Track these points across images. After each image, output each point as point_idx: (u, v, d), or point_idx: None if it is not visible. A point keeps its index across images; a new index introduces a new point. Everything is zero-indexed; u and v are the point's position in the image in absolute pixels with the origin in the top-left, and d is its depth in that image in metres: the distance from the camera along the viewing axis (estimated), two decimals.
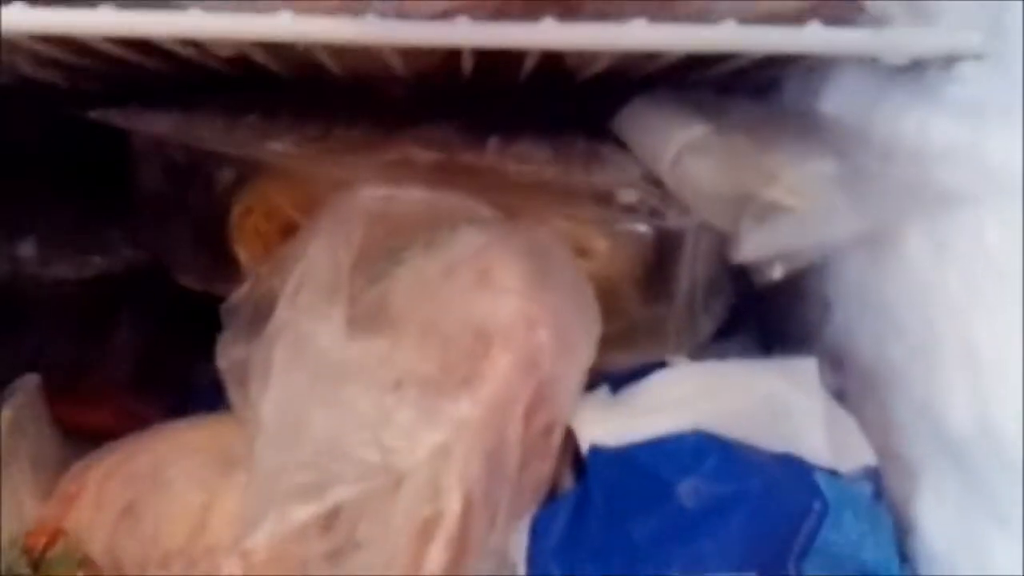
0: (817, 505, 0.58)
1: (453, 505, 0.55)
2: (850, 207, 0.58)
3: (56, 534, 0.65)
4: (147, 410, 0.75)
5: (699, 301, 0.65)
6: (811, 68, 0.69)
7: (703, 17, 0.60)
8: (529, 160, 0.71)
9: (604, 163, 0.70)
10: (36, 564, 0.63)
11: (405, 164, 0.70)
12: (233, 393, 0.60)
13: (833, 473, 0.60)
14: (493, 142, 0.73)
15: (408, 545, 0.56)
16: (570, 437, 0.60)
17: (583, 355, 0.58)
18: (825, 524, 0.58)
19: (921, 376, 0.61)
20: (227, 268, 0.72)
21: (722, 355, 0.66)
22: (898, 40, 0.56)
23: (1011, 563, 0.55)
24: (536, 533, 0.57)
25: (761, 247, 0.59)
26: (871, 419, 0.65)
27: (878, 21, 0.58)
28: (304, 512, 0.56)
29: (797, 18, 0.56)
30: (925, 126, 0.58)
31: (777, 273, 0.60)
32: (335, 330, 0.57)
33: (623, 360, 0.63)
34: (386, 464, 0.56)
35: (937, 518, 0.61)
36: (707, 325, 0.67)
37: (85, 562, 0.64)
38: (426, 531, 0.56)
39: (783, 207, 0.58)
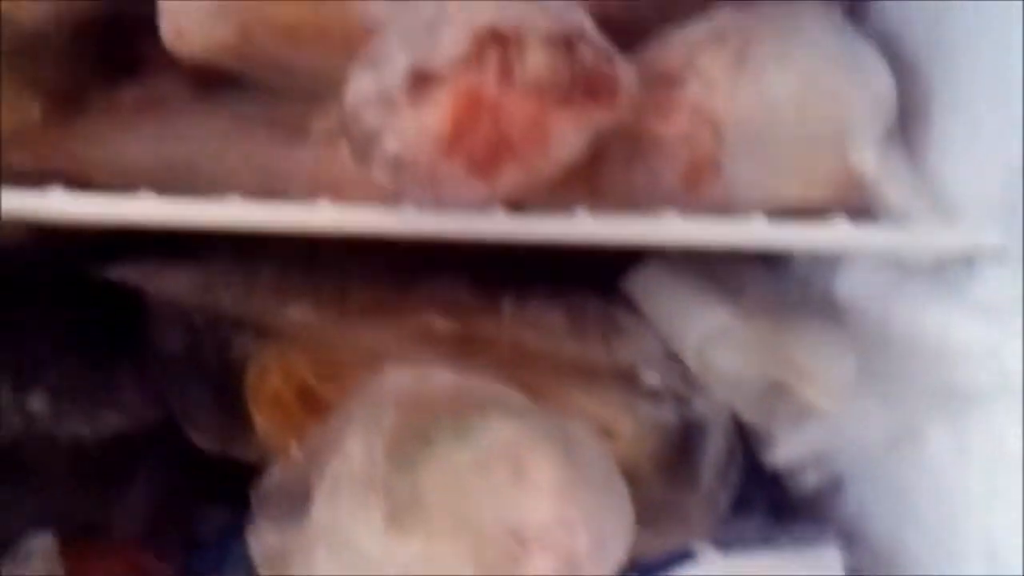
0: None
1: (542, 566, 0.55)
2: (878, 409, 0.60)
3: None
4: (158, 565, 0.75)
5: (719, 481, 0.67)
6: None
7: (728, 203, 0.61)
8: (545, 327, 0.72)
9: (622, 334, 0.71)
10: None
11: (425, 334, 0.70)
12: None
13: None
14: (507, 304, 0.74)
15: None
16: None
17: (618, 553, 0.59)
18: None
19: (940, 564, 0.62)
20: (244, 430, 0.72)
21: (741, 534, 0.67)
22: (921, 238, 0.58)
23: None
24: None
25: (796, 450, 0.60)
26: None
27: (900, 216, 0.60)
28: None
29: (822, 208, 0.58)
30: (946, 324, 0.60)
31: (812, 480, 0.61)
32: (374, 530, 0.58)
33: (643, 544, 0.63)
34: None
35: None
36: (725, 500, 0.68)
37: None
38: None
39: (816, 407, 0.60)
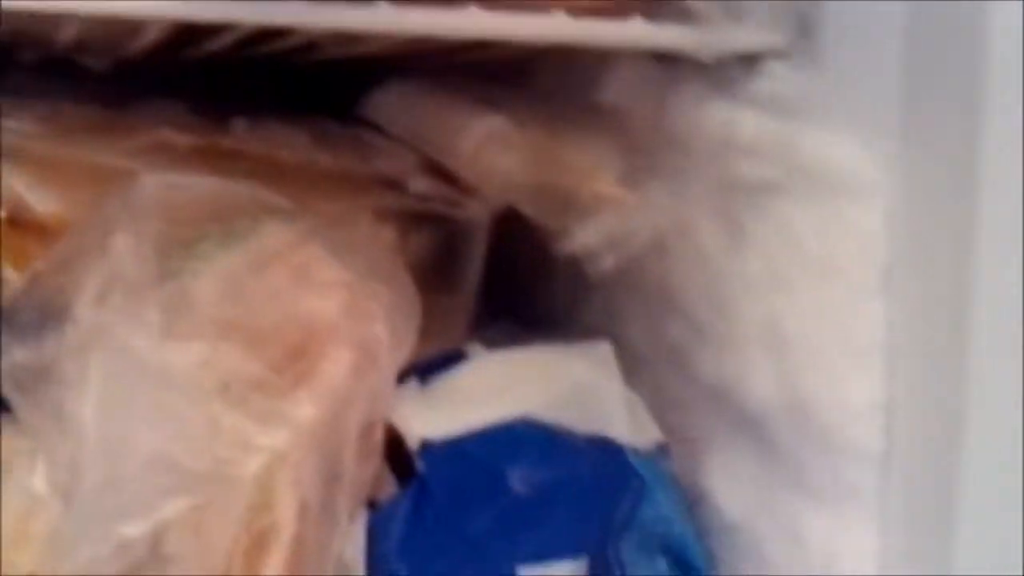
0: (635, 482, 0.61)
1: (289, 515, 0.53)
2: (660, 203, 0.61)
3: None
4: None
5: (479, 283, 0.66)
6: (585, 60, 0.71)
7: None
8: (292, 145, 0.69)
9: (373, 149, 0.69)
10: None
11: (161, 147, 0.66)
12: (16, 399, 0.55)
13: (637, 451, 0.63)
14: (239, 124, 0.70)
15: (240, 558, 0.53)
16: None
17: (408, 348, 0.58)
18: (642, 501, 0.61)
19: (710, 357, 0.65)
20: None
21: (496, 340, 0.67)
22: (716, 37, 0.59)
23: (822, 531, 0.60)
24: (376, 534, 0.56)
25: (592, 238, 0.60)
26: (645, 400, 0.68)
27: (688, 17, 0.61)
28: (132, 530, 0.52)
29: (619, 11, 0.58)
30: (729, 120, 0.61)
31: (609, 263, 0.62)
32: (152, 334, 0.53)
33: (417, 349, 0.62)
34: (218, 474, 0.53)
35: (731, 491, 0.65)
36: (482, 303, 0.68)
37: None
38: (260, 542, 0.53)
39: (609, 199, 0.60)
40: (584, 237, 0.61)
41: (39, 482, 0.56)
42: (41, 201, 0.64)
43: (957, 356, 0.54)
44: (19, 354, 0.56)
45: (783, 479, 0.63)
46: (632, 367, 0.68)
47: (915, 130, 0.55)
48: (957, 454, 0.55)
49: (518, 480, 0.58)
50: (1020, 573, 0.54)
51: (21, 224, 0.63)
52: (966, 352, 0.54)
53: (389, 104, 0.72)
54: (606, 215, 0.61)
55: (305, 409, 0.54)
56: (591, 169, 0.62)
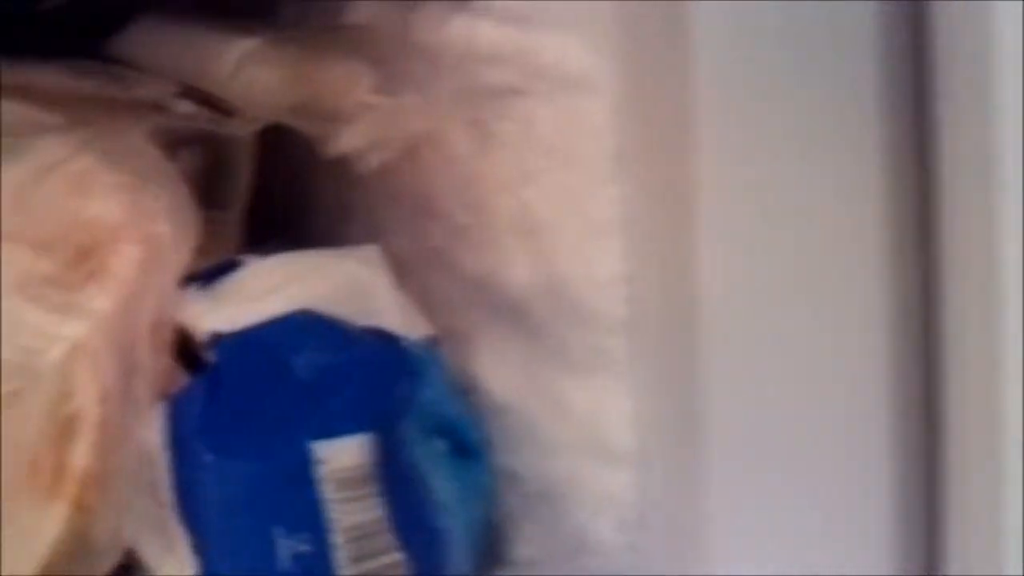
0: (411, 367, 0.67)
1: (92, 401, 0.57)
2: (412, 108, 0.67)
3: None
4: None
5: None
6: None
7: None
8: (52, 79, 0.72)
9: (130, 79, 0.73)
10: None
11: None
12: None
13: (410, 341, 0.69)
14: None
15: (48, 446, 0.57)
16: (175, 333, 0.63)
17: (189, 249, 0.62)
18: (419, 382, 0.67)
19: (470, 254, 0.71)
20: None
21: (269, 253, 0.72)
22: None
23: (584, 401, 0.66)
24: (174, 418, 0.60)
25: (353, 143, 0.66)
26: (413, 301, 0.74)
27: None
28: None
29: None
30: (470, 32, 0.68)
31: (374, 162, 0.67)
32: None
33: (194, 263, 0.67)
34: (22, 364, 0.56)
35: (499, 375, 0.72)
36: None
37: None
38: (66, 430, 0.57)
39: (365, 106, 0.66)
40: (345, 142, 0.66)
41: None
42: None
43: (685, 230, 0.59)
44: None
45: (545, 357, 0.69)
46: (398, 273, 0.74)
47: (630, 26, 0.61)
48: (693, 318, 0.60)
49: (303, 366, 0.63)
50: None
51: None
52: (694, 226, 0.59)
53: (142, 40, 0.76)
54: (364, 122, 0.67)
55: (100, 301, 0.58)
56: (346, 80, 0.67)
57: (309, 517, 0.60)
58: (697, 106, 0.57)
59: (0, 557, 0.56)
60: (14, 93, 0.67)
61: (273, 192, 0.76)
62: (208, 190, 0.70)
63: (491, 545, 0.71)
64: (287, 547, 0.59)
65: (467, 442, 0.70)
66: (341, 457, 0.62)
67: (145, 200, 0.60)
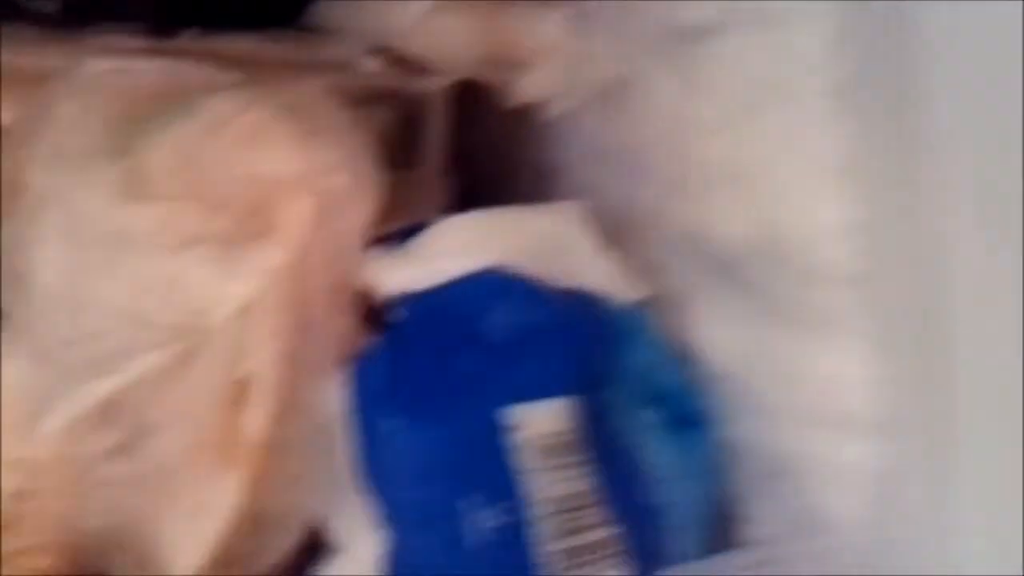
0: (617, 332, 0.61)
1: (265, 363, 0.53)
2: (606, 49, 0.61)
3: None
4: None
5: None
6: None
7: None
8: (239, 45, 0.69)
9: (321, 42, 0.69)
10: None
11: (111, 50, 0.66)
12: None
13: (618, 304, 0.62)
14: (188, 33, 0.70)
15: (220, 413, 0.52)
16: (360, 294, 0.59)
17: (369, 206, 0.58)
18: (626, 347, 0.61)
19: (681, 210, 0.65)
20: None
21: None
22: None
23: (812, 363, 0.60)
24: (356, 382, 0.55)
25: (543, 85, 0.61)
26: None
27: None
28: (105, 386, 0.51)
29: None
30: None
31: (556, 111, 0.62)
32: (108, 199, 0.53)
33: (385, 225, 0.62)
34: (189, 325, 0.52)
35: (717, 340, 0.65)
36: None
37: None
38: (239, 394, 0.53)
39: (557, 50, 0.61)
40: (532, 88, 0.61)
41: (14, 371, 0.55)
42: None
43: (921, 170, 0.53)
44: None
45: (769, 318, 0.63)
46: (607, 235, 0.68)
47: None
48: (938, 269, 0.54)
49: (495, 327, 0.58)
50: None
51: None
52: (932, 166, 0.53)
53: (334, 6, 0.73)
54: (553, 67, 0.61)
55: (272, 257, 0.54)
56: (535, 25, 0.62)
57: (504, 487, 0.55)
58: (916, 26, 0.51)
59: (174, 533, 0.52)
60: (195, 57, 0.64)
61: (475, 155, 0.71)
62: (398, 150, 0.65)
63: (718, 525, 0.64)
64: (481, 520, 0.54)
65: (686, 413, 0.63)
66: (539, 423, 0.56)
67: (319, 153, 0.56)
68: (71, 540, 0.56)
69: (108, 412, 0.54)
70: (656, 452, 0.61)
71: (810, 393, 0.60)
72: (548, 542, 0.55)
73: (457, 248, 0.60)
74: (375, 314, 0.58)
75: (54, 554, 0.57)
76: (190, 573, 0.53)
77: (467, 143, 0.70)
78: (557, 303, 0.60)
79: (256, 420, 0.53)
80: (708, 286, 0.66)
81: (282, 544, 0.54)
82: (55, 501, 0.55)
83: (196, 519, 0.52)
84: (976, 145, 0.52)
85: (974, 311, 0.54)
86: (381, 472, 0.54)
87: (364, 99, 0.65)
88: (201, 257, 0.54)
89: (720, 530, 0.64)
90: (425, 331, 0.57)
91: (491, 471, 0.55)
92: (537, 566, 0.54)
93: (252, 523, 0.53)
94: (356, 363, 0.56)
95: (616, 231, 0.68)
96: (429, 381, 0.56)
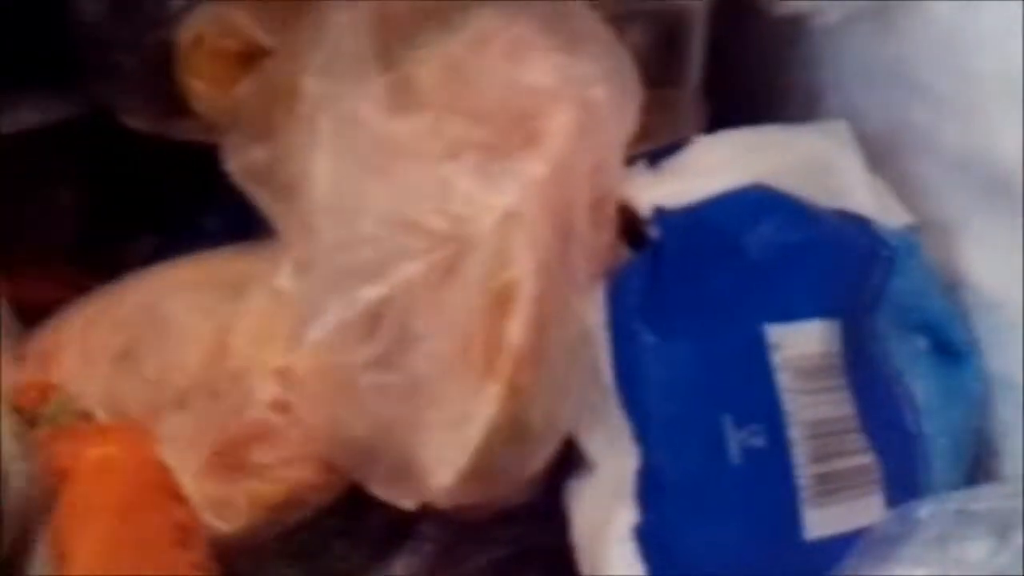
0: (885, 251, 0.59)
1: (528, 272, 0.53)
2: None
3: (46, 389, 0.59)
4: (93, 283, 0.69)
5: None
6: None
7: None
8: None
9: None
10: (31, 422, 0.57)
11: None
12: (258, 195, 0.56)
13: (885, 227, 0.60)
14: None
15: (482, 322, 0.53)
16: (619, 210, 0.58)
17: (630, 119, 0.57)
18: (893, 271, 0.58)
19: (954, 129, 0.62)
20: (181, 105, 0.67)
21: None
22: None
23: None
24: (614, 296, 0.55)
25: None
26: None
27: None
28: (372, 293, 0.52)
29: None
30: None
31: (823, 24, 0.60)
32: (378, 106, 0.54)
33: (645, 144, 0.61)
34: (455, 232, 0.53)
35: (987, 268, 0.62)
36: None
37: (84, 415, 0.58)
38: (500, 303, 0.53)
39: None
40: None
41: (284, 280, 0.57)
42: (266, 36, 0.65)
43: None
44: (252, 152, 0.57)
45: None
46: (873, 157, 0.66)
47: None
48: None
49: (758, 244, 0.57)
50: None
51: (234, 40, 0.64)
52: None
53: None
54: None
55: (534, 167, 0.54)
56: None
57: (763, 407, 0.54)
58: None
59: (433, 444, 0.53)
60: None
61: (738, 74, 0.70)
62: (658, 68, 0.64)
63: (979, 459, 0.61)
64: (738, 439, 0.53)
65: (952, 342, 0.61)
66: (800, 343, 0.55)
67: (581, 65, 0.56)
68: (329, 451, 0.57)
69: (372, 321, 0.55)
70: (918, 381, 0.59)
71: None
72: (807, 465, 0.53)
73: (719, 165, 0.60)
74: (634, 230, 0.57)
75: (311, 466, 0.58)
76: (448, 482, 0.53)
77: (730, 62, 0.68)
78: (822, 223, 0.58)
79: (518, 329, 0.53)
80: (980, 210, 0.63)
81: (541, 457, 0.54)
82: (314, 412, 0.56)
83: (456, 429, 0.53)
84: None
85: None
86: (638, 387, 0.54)
87: (625, 16, 0.64)
88: (466, 166, 0.54)
89: (982, 465, 0.62)
90: (685, 247, 0.56)
91: (752, 389, 0.54)
92: (796, 488, 0.53)
93: (512, 435, 0.53)
94: (614, 277, 0.55)
95: (885, 153, 0.66)
96: (688, 296, 0.56)
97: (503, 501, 0.56)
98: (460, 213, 0.53)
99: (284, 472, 0.57)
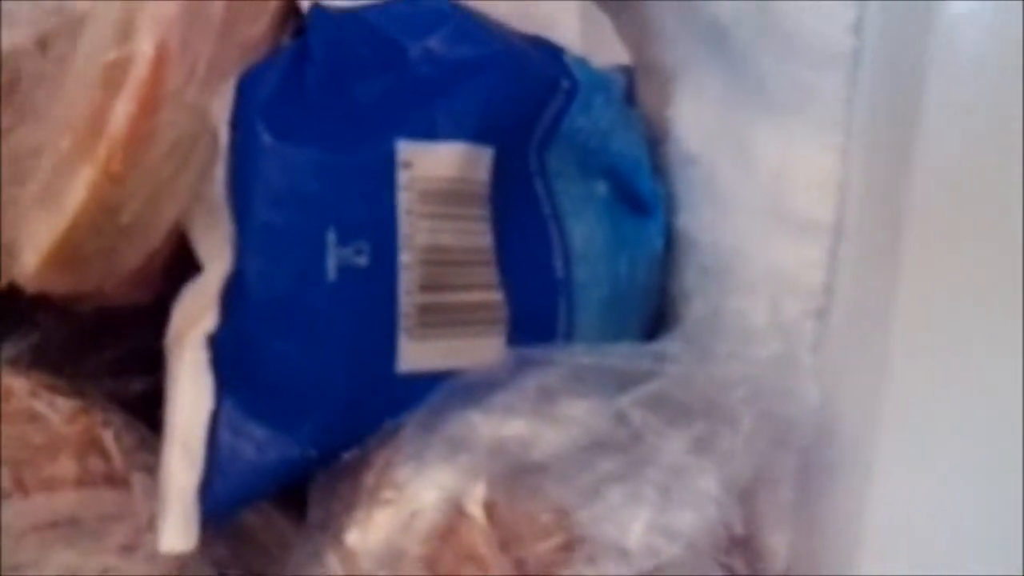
0: (565, 83, 0.54)
1: (144, 48, 0.48)
2: None
3: None
4: None
5: None
6: None
7: None
8: None
9: None
10: None
11: None
12: None
13: (583, 61, 0.55)
14: None
15: (91, 98, 0.48)
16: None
17: None
18: (573, 107, 0.54)
19: None
20: None
21: None
22: None
23: (776, 154, 0.53)
24: (242, 92, 0.50)
25: None
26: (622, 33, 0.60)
27: None
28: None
29: None
30: None
31: None
32: None
33: None
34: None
35: (694, 118, 0.58)
36: None
37: None
38: (112, 79, 0.48)
39: None
40: None
41: None
42: None
43: None
44: None
45: (744, 96, 0.56)
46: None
47: None
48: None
49: (421, 55, 0.52)
50: None
51: None
52: None
53: None
54: None
55: None
56: None
57: (376, 227, 0.50)
58: None
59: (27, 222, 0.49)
60: None
61: None
62: None
63: (659, 320, 0.57)
64: (338, 255, 0.49)
65: (638, 193, 0.57)
66: (432, 164, 0.50)
67: None
68: None
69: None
70: (583, 226, 0.55)
71: (762, 182, 0.52)
72: (412, 292, 0.49)
73: None
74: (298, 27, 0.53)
75: None
76: (32, 263, 0.49)
77: None
78: (500, 44, 0.53)
79: (122, 112, 0.49)
80: (696, 58, 0.59)
81: (136, 251, 0.50)
82: None
83: (47, 210, 0.49)
84: None
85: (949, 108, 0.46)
86: (246, 189, 0.50)
87: None
88: None
89: (661, 327, 0.58)
90: (338, 49, 0.52)
91: (368, 207, 0.50)
92: (395, 315, 0.49)
93: (102, 224, 0.49)
94: (247, 72, 0.51)
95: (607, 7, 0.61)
96: (327, 102, 0.51)
97: (100, 295, 0.52)
98: None
99: None
